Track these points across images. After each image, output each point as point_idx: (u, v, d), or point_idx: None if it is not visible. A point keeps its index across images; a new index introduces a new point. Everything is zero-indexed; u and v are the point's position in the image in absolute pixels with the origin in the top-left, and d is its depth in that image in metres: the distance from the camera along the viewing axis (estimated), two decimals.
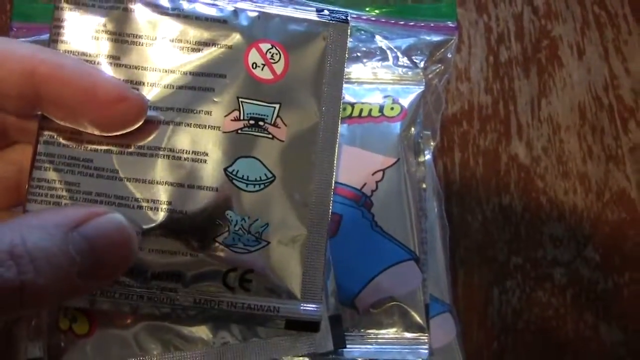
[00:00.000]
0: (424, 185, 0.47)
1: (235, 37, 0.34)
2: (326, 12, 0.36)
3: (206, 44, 0.34)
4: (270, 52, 0.35)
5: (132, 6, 0.33)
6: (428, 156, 0.49)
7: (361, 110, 0.46)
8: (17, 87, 0.29)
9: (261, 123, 0.34)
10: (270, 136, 0.34)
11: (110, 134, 0.32)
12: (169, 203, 0.32)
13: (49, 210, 0.29)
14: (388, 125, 0.46)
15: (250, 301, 0.33)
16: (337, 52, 0.36)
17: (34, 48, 0.30)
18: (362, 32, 0.51)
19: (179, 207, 0.32)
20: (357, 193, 0.44)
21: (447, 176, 0.53)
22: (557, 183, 0.53)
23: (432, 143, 0.50)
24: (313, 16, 0.36)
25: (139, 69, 0.33)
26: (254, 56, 0.34)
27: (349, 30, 0.36)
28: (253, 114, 0.34)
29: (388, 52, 0.50)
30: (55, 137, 0.32)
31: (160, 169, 0.32)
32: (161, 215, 0.32)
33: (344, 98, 0.46)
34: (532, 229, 0.52)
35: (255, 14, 0.35)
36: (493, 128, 0.54)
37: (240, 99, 0.34)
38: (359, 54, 0.50)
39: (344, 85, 0.47)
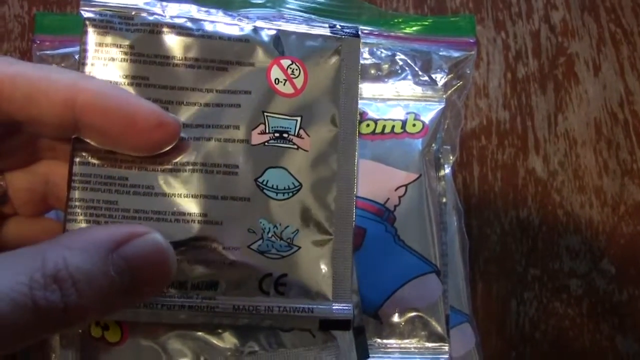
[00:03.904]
0: (444, 200, 0.48)
1: (258, 55, 0.35)
2: (338, 27, 0.38)
3: (231, 62, 0.35)
4: (290, 68, 0.36)
5: (157, 28, 0.34)
6: (448, 170, 0.50)
7: (384, 127, 0.47)
8: (58, 116, 0.30)
9: (285, 135, 0.35)
10: (295, 147, 0.35)
11: (145, 155, 0.33)
12: (205, 215, 0.33)
13: (90, 230, 0.29)
14: (410, 141, 0.47)
15: (286, 304, 0.34)
16: (351, 65, 0.37)
17: (74, 76, 0.30)
18: (383, 50, 0.52)
19: (215, 218, 0.33)
20: (380, 208, 0.45)
21: (466, 190, 0.54)
22: (573, 197, 0.54)
23: (451, 158, 0.51)
24: (327, 32, 0.37)
25: (167, 88, 0.34)
26: (276, 72, 0.36)
27: (360, 44, 0.37)
28: (278, 127, 0.35)
29: (408, 69, 0.51)
30: (89, 157, 0.33)
31: (194, 183, 0.33)
32: (198, 227, 0.33)
33: (366, 114, 0.47)
34: (549, 241, 0.53)
35: (274, 32, 0.36)
36: (511, 143, 0.55)
37: (265, 113, 0.35)
38: (380, 72, 0.51)
39: (367, 102, 0.49)
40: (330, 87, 0.37)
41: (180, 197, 0.33)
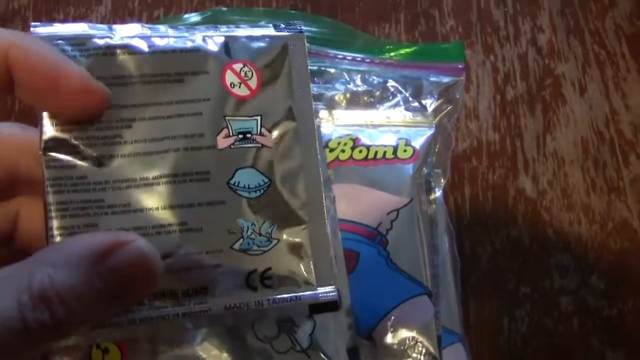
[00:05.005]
0: (436, 223, 0.50)
1: (211, 63, 0.36)
2: (282, 25, 0.39)
3: (186, 73, 0.35)
4: (243, 71, 0.37)
5: (110, 51, 0.35)
6: (439, 193, 0.52)
7: (376, 153, 0.49)
8: None
9: (249, 135, 0.36)
10: (259, 145, 0.36)
11: (73, 120, 0.33)
12: (185, 223, 0.34)
13: (73, 242, 0.30)
14: (402, 167, 0.49)
15: (274, 295, 0.35)
16: (299, 59, 0.38)
17: (7, 33, 0.31)
18: (375, 77, 0.54)
19: (195, 225, 0.34)
20: (373, 231, 0.47)
21: (457, 210, 0.56)
22: (562, 215, 0.56)
23: (442, 181, 0.52)
24: (272, 32, 0.39)
25: (128, 107, 0.34)
26: (230, 77, 0.36)
27: (305, 39, 0.38)
28: (240, 128, 0.36)
29: (399, 95, 0.53)
30: (62, 184, 0.33)
31: (169, 195, 0.34)
32: (180, 236, 0.34)
33: (359, 140, 0.49)
34: (540, 259, 0.55)
35: (222, 39, 0.37)
36: (501, 164, 0.57)
37: (226, 118, 0.36)
38: (372, 99, 0.53)
39: (360, 128, 0.50)
40: (283, 84, 0.37)
41: (158, 210, 0.34)
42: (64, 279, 0.27)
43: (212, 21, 0.57)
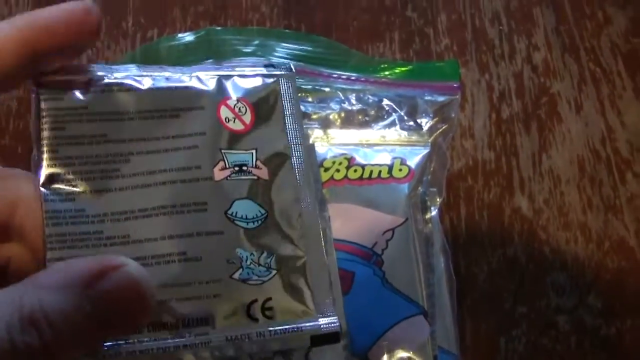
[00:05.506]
0: (431, 242, 0.50)
1: (205, 99, 0.37)
2: (274, 65, 0.40)
3: (182, 109, 0.36)
4: (237, 107, 0.37)
5: (108, 88, 0.35)
6: (434, 212, 0.52)
7: (371, 172, 0.49)
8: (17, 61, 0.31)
9: (245, 168, 0.36)
10: (255, 177, 0.36)
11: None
12: (184, 253, 0.34)
13: (65, 267, 0.30)
14: (397, 186, 0.48)
15: (275, 327, 0.35)
16: (290, 95, 0.39)
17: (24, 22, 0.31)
18: (370, 96, 0.54)
19: (194, 255, 0.34)
20: (368, 251, 0.46)
21: (453, 230, 0.55)
22: (558, 234, 0.56)
23: (438, 200, 0.52)
24: (263, 71, 0.39)
25: (126, 142, 0.35)
26: (225, 112, 0.37)
27: (295, 77, 0.39)
28: (236, 161, 0.36)
29: (394, 114, 0.53)
30: (61, 217, 0.33)
31: (168, 225, 0.34)
32: (179, 266, 0.34)
33: (354, 159, 0.49)
34: (536, 278, 0.54)
35: (215, 78, 0.38)
36: (496, 183, 0.57)
37: (222, 151, 0.36)
38: (367, 118, 0.53)
39: (355, 148, 0.50)
40: (276, 120, 0.38)
41: (157, 240, 0.34)
42: (53, 302, 0.27)
43: (206, 41, 0.57)
